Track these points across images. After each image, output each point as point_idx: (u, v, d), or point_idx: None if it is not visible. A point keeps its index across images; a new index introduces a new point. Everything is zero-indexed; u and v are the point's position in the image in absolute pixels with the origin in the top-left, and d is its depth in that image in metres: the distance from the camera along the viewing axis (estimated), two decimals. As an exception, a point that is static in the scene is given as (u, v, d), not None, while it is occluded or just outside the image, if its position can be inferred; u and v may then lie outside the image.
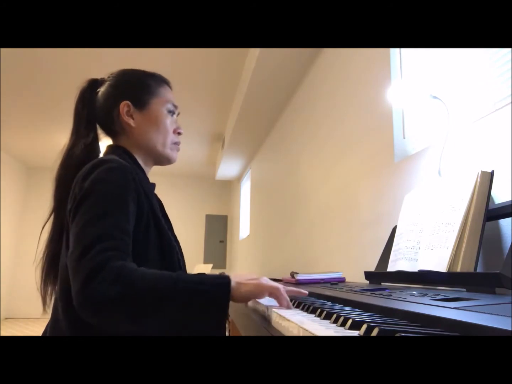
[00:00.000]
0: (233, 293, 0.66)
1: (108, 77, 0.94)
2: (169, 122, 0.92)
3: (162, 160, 0.94)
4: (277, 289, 0.70)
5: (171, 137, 0.93)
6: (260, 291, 0.70)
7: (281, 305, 0.71)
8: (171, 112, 0.94)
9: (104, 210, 0.69)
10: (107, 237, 0.66)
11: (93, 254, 0.63)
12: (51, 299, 0.82)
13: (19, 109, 4.25)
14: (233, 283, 0.67)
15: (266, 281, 0.71)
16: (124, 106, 0.89)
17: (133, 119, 0.89)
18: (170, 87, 0.97)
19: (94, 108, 0.91)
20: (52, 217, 0.84)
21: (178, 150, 0.96)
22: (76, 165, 0.81)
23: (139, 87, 0.91)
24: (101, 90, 0.92)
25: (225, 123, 4.59)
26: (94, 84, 0.93)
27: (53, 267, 0.82)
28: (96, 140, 0.90)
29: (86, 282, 0.60)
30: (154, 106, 0.91)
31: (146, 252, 0.75)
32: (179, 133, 0.96)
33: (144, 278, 0.63)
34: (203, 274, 0.70)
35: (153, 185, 0.93)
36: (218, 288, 0.65)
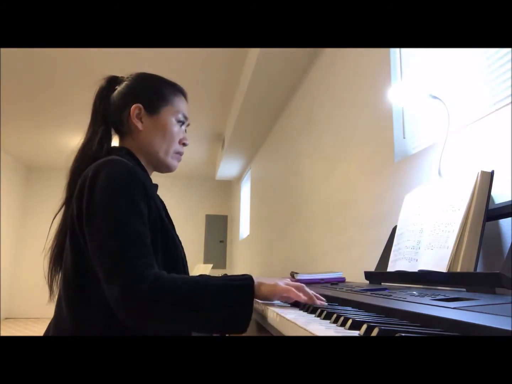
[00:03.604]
0: (256, 292, 0.71)
1: (127, 77, 0.96)
2: (176, 131, 0.94)
3: (161, 167, 0.95)
4: (288, 290, 0.73)
5: (176, 147, 0.95)
6: (274, 293, 0.74)
7: (300, 301, 0.74)
8: (181, 122, 0.96)
9: (121, 217, 0.71)
10: (132, 245, 0.69)
11: (125, 265, 0.67)
12: (57, 288, 0.84)
13: (19, 109, 4.25)
14: (255, 283, 0.71)
15: (283, 283, 0.75)
16: (136, 109, 0.90)
17: (141, 122, 0.91)
18: (186, 98, 0.99)
19: (109, 105, 0.93)
20: (63, 209, 0.86)
21: (179, 160, 0.97)
22: (90, 160, 0.83)
23: (153, 93, 0.93)
24: (118, 88, 0.93)
25: (225, 123, 4.59)
26: (113, 81, 0.95)
27: (60, 257, 0.84)
28: (110, 136, 0.92)
29: (125, 293, 0.65)
30: (164, 114, 0.92)
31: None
32: (184, 144, 0.97)
33: (177, 285, 0.68)
34: (228, 277, 0.74)
35: (156, 186, 0.94)
36: (243, 289, 0.70)
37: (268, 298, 0.74)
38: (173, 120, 0.93)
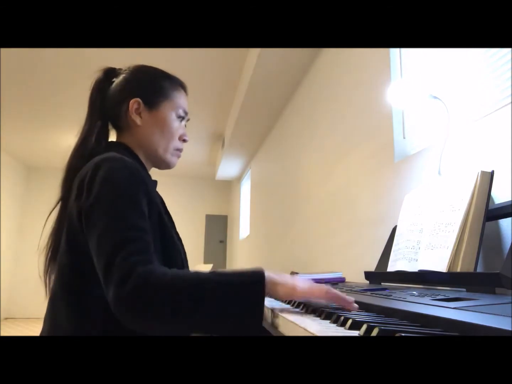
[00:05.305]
0: (269, 291, 0.63)
1: (125, 69, 0.92)
2: (176, 127, 0.91)
3: (160, 164, 0.92)
4: (312, 293, 0.64)
5: (175, 143, 0.91)
6: (293, 296, 0.66)
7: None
8: (181, 118, 0.92)
9: (120, 212, 0.68)
10: (128, 241, 0.65)
11: (118, 262, 0.62)
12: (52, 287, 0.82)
13: (20, 109, 4.25)
14: (269, 281, 0.63)
15: (304, 286, 0.65)
16: (134, 103, 0.87)
17: (140, 117, 0.87)
18: (186, 92, 0.96)
19: (106, 98, 0.89)
20: (59, 206, 0.83)
21: (179, 156, 0.94)
22: (88, 156, 0.80)
23: (152, 87, 0.90)
24: (116, 81, 0.90)
25: (225, 123, 4.59)
26: (110, 73, 0.91)
27: (55, 256, 0.81)
28: (108, 131, 0.89)
29: (117, 291, 0.60)
30: (164, 109, 0.89)
31: None
32: (184, 140, 0.94)
33: (175, 282, 0.61)
34: (237, 272, 0.65)
35: (155, 182, 0.92)
36: (251, 279, 0.62)
37: (283, 299, 0.67)
38: (173, 116, 0.90)
